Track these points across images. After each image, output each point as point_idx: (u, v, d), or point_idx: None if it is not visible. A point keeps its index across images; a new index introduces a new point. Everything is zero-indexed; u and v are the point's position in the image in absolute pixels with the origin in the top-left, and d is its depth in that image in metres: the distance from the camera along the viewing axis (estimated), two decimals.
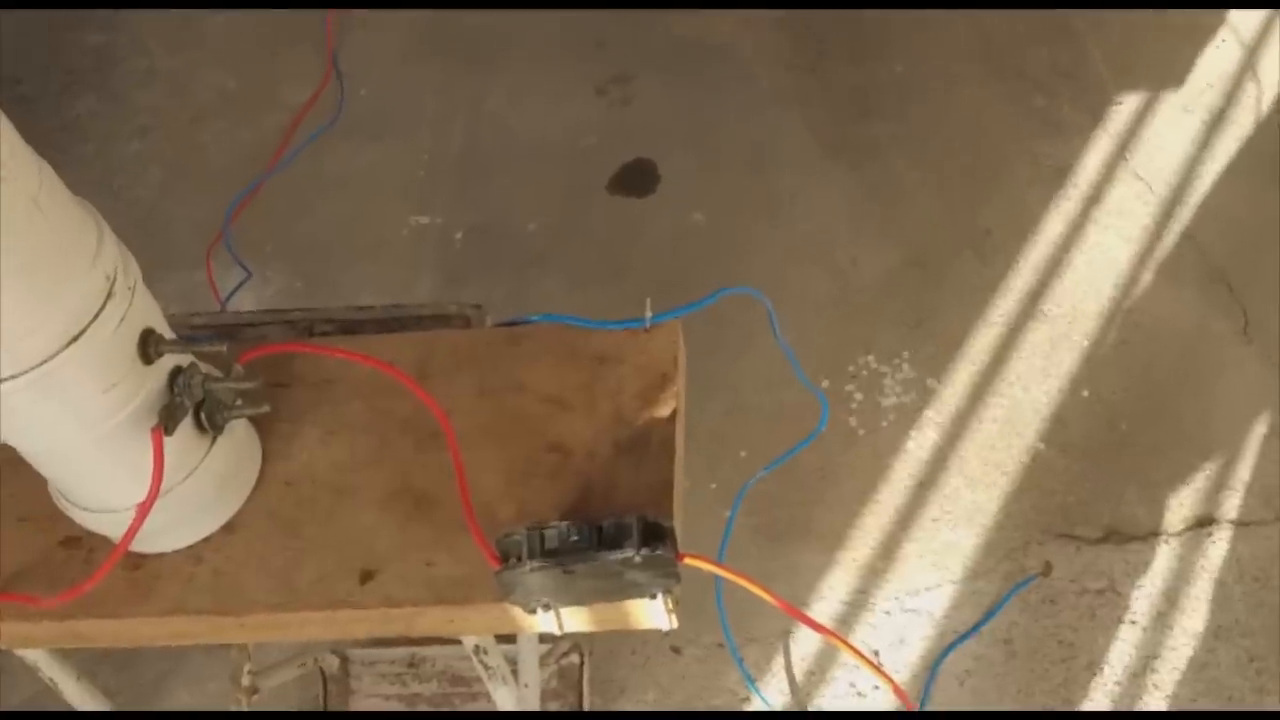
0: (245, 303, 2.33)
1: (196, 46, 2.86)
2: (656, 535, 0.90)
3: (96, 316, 0.81)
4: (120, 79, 2.82)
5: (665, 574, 0.92)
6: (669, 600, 0.96)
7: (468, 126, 2.62)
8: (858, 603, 1.91)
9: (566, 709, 1.77)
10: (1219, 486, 1.98)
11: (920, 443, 2.06)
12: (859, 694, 1.82)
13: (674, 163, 2.52)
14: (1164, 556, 1.91)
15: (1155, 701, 1.78)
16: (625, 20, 2.78)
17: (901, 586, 1.92)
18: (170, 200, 2.54)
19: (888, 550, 1.96)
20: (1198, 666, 1.81)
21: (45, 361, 0.80)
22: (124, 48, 2.88)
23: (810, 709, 1.82)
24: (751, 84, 2.64)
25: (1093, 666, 1.82)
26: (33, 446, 0.89)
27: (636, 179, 2.50)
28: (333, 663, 1.74)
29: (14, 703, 1.91)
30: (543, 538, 0.90)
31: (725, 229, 2.40)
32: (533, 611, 0.95)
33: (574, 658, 1.77)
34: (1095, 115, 2.50)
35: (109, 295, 0.82)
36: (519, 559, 0.90)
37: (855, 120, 2.56)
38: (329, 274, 2.38)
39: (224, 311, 2.12)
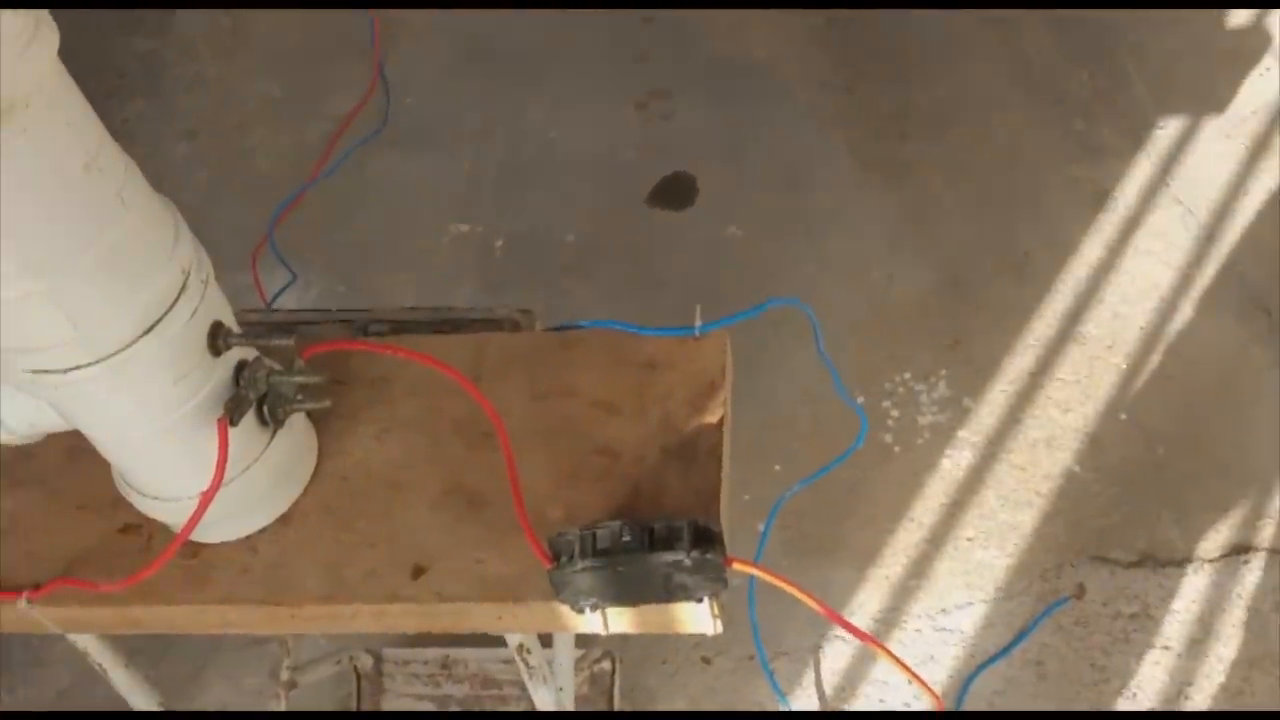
0: (288, 306, 2.36)
1: (243, 54, 2.91)
2: (706, 539, 0.91)
3: (171, 308, 0.84)
4: (169, 84, 2.87)
5: (713, 578, 0.93)
6: (714, 604, 0.97)
7: (510, 138, 2.65)
8: (889, 620, 1.91)
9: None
10: (1256, 514, 1.97)
11: (956, 461, 2.06)
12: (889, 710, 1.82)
13: (712, 177, 2.53)
14: (1199, 583, 1.90)
15: None
16: (665, 38, 2.81)
17: (933, 605, 1.91)
18: (215, 203, 2.58)
19: (920, 568, 1.95)
20: (1232, 694, 1.80)
21: (121, 350, 0.82)
22: (172, 53, 2.94)
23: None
24: (790, 102, 2.66)
25: (1125, 691, 1.81)
26: (102, 433, 0.92)
27: (675, 192, 2.52)
28: (367, 661, 1.76)
29: (49, 695, 1.94)
30: (595, 538, 0.91)
31: (762, 244, 2.41)
32: (580, 611, 0.96)
33: (606, 665, 1.78)
34: (1136, 139, 2.50)
35: (183, 288, 0.84)
36: (570, 558, 0.91)
37: (893, 140, 2.57)
38: (371, 279, 2.42)
39: (276, 310, 2.15)
